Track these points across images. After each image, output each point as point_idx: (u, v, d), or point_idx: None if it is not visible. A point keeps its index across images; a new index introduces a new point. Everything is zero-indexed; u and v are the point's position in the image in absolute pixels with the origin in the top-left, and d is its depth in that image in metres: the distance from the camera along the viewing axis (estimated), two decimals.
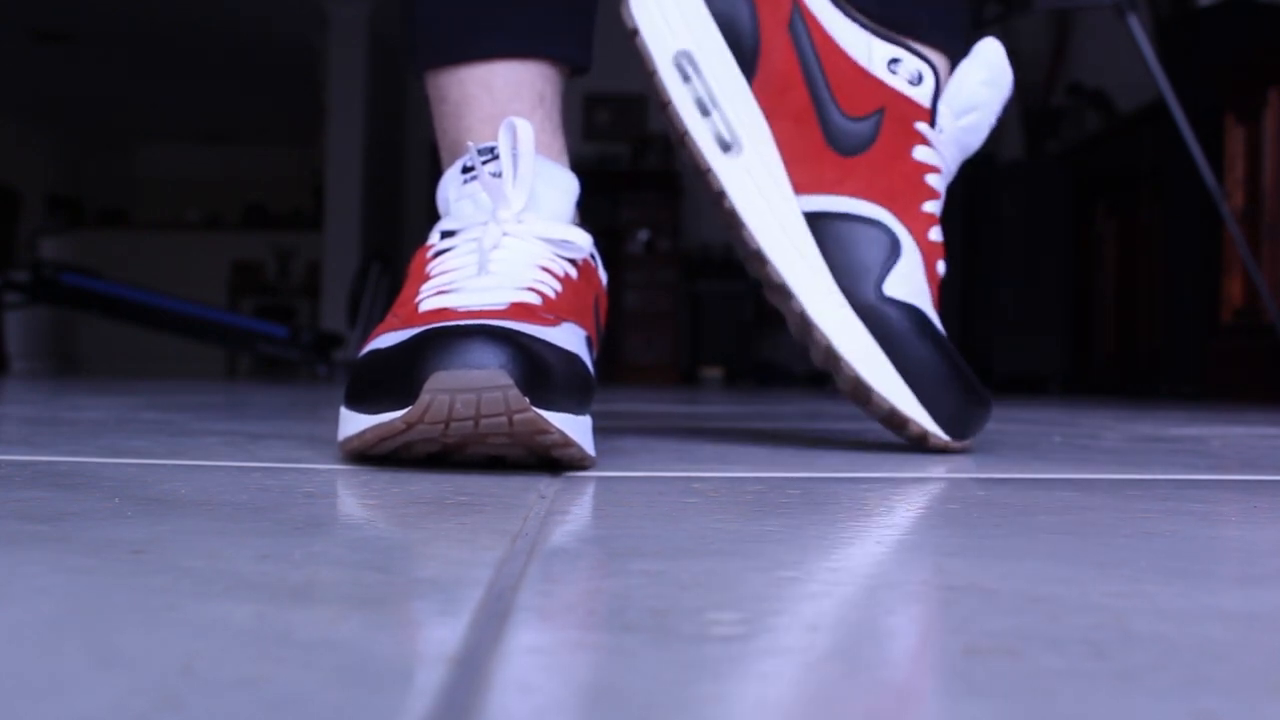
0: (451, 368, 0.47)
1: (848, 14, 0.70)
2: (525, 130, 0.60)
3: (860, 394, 0.68)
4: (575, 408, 0.53)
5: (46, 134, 7.88)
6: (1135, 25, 1.75)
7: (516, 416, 0.49)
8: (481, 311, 0.54)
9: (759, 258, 0.68)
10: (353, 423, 0.53)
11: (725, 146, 0.68)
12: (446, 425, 0.49)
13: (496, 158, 0.61)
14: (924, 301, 0.69)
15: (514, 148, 0.60)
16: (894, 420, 0.68)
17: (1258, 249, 2.30)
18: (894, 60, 0.69)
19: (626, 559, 0.32)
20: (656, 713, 0.18)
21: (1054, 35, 4.30)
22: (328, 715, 0.17)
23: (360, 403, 0.53)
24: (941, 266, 0.71)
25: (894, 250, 0.68)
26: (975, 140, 0.72)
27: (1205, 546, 0.37)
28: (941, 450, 0.69)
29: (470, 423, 0.49)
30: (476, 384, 0.48)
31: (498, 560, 0.31)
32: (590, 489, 0.49)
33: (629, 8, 0.69)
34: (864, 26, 0.70)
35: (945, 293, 0.73)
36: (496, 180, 0.60)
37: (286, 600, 0.25)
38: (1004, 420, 1.22)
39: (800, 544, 0.35)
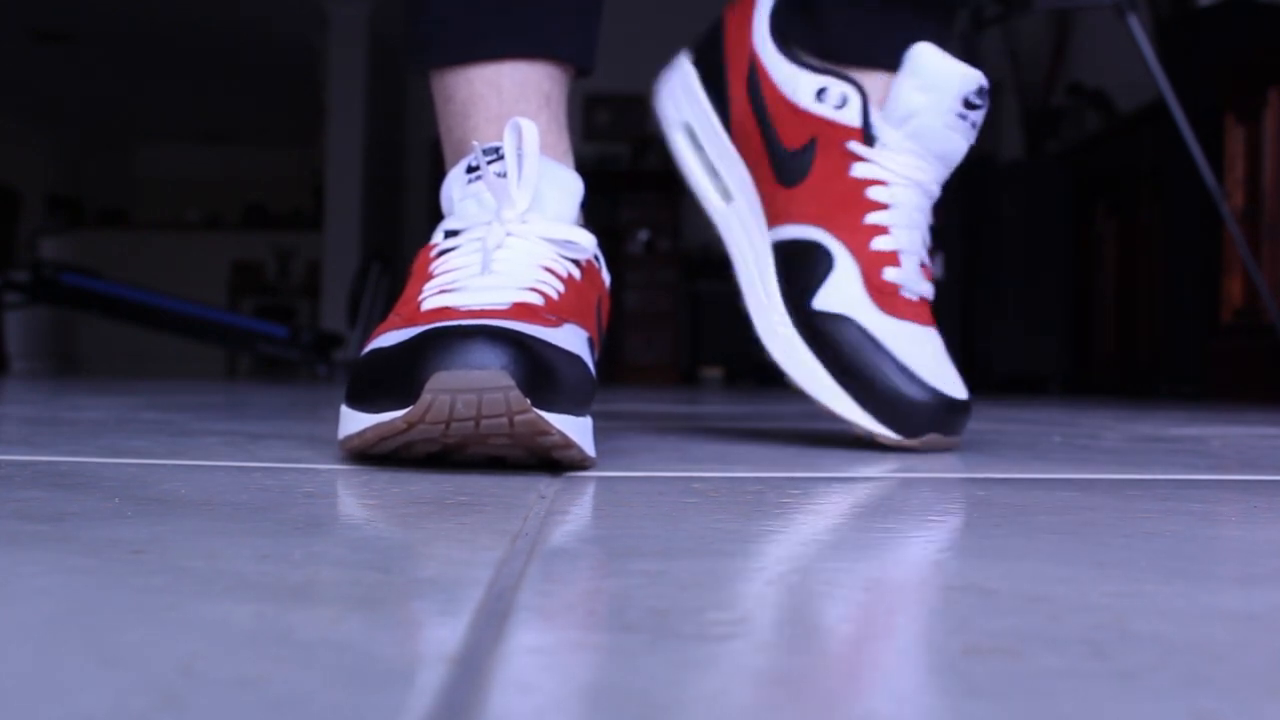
0: (453, 368, 0.47)
1: (787, 54, 0.76)
2: (530, 130, 0.60)
3: (808, 399, 0.74)
4: (576, 409, 0.53)
5: (46, 134, 7.88)
6: (1135, 25, 1.75)
7: (517, 418, 0.49)
8: (483, 311, 0.54)
9: (738, 288, 0.78)
10: (353, 421, 0.53)
11: (726, 197, 0.78)
12: (447, 425, 0.49)
13: (501, 158, 0.60)
14: (860, 310, 0.73)
15: (519, 148, 0.60)
16: (841, 421, 0.73)
17: (1258, 249, 2.30)
18: (821, 90, 0.74)
19: (626, 559, 0.32)
20: (656, 713, 0.18)
21: (1054, 35, 4.30)
22: (328, 715, 0.17)
23: (361, 401, 0.53)
24: (891, 273, 0.73)
25: (828, 265, 0.74)
26: (940, 143, 0.73)
27: (1205, 546, 0.37)
28: (900, 449, 0.72)
29: (471, 423, 0.49)
30: (478, 384, 0.48)
31: (498, 560, 0.31)
32: (590, 489, 0.49)
33: (654, 95, 0.81)
34: (797, 63, 0.76)
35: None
36: (501, 180, 0.59)
37: (286, 600, 0.25)
38: (1004, 420, 1.22)
39: (800, 544, 0.35)
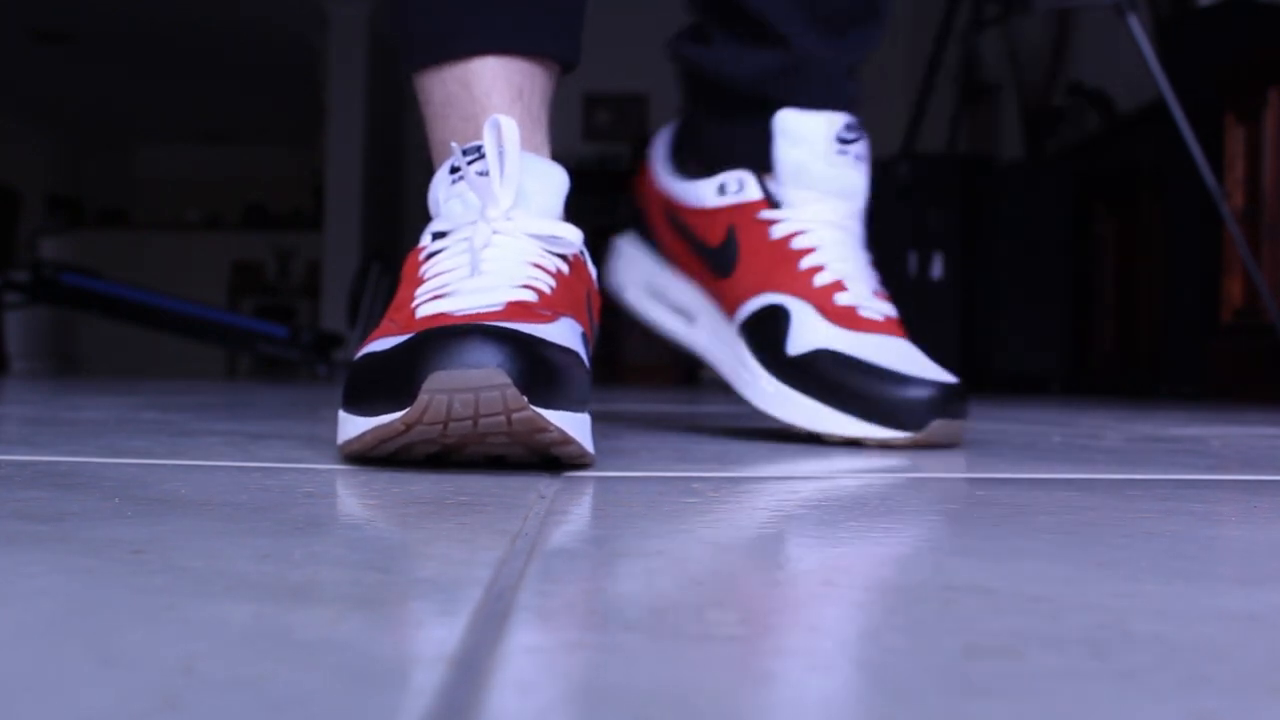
0: (449, 367, 0.47)
1: (686, 177, 0.87)
2: (510, 128, 0.59)
3: (822, 439, 0.77)
4: (573, 405, 0.53)
5: (46, 134, 7.88)
6: (1135, 25, 1.75)
7: (515, 415, 0.48)
8: (478, 315, 0.54)
9: (726, 382, 0.84)
10: (352, 425, 0.53)
11: (690, 321, 0.87)
12: (445, 425, 0.49)
13: (483, 156, 0.60)
14: (829, 338, 0.78)
15: (500, 145, 0.60)
16: (858, 443, 0.76)
17: (1258, 249, 2.30)
18: (721, 186, 0.84)
19: (626, 559, 0.32)
20: (656, 713, 0.18)
21: (1054, 35, 4.30)
22: (327, 715, 0.17)
23: (358, 405, 0.53)
24: (842, 297, 0.79)
25: (786, 316, 0.80)
26: (831, 181, 0.81)
27: (1205, 546, 0.37)
28: (913, 446, 0.74)
29: (469, 422, 0.48)
30: (474, 383, 0.47)
31: (498, 560, 0.31)
32: (590, 489, 0.49)
33: (611, 283, 0.91)
34: (696, 178, 0.86)
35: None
36: (484, 179, 0.59)
37: (286, 600, 0.25)
38: (1004, 420, 1.22)
39: (800, 544, 0.35)
